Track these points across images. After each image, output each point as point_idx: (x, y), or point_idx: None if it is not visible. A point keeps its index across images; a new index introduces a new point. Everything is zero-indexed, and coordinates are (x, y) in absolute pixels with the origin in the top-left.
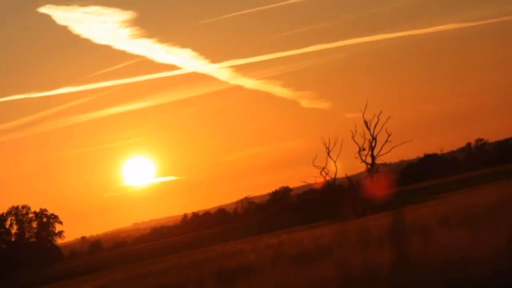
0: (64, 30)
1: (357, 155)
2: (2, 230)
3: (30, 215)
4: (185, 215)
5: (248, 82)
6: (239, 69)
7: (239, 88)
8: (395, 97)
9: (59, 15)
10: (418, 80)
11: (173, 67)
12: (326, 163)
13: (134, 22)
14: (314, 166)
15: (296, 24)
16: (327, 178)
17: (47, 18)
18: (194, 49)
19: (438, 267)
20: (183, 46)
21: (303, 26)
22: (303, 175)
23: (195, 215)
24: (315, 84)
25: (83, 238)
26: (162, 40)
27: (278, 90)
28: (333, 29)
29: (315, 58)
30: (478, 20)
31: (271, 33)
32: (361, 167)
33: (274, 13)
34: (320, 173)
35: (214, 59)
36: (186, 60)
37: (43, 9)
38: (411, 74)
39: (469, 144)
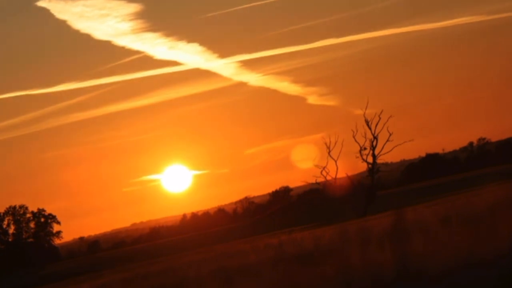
0: (63, 24)
1: (358, 154)
2: None
3: (28, 215)
4: (184, 215)
5: (253, 78)
6: (247, 64)
7: (243, 84)
8: (399, 95)
9: (58, 9)
10: (421, 79)
11: (175, 63)
12: (327, 163)
13: (139, 16)
14: (315, 165)
15: (306, 17)
16: (328, 178)
17: (45, 12)
18: (201, 44)
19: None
20: (190, 40)
21: (314, 19)
22: (303, 175)
23: (194, 215)
24: (325, 80)
25: (81, 238)
26: (168, 34)
27: (285, 86)
28: (344, 24)
29: (326, 52)
30: (486, 15)
31: (281, 26)
32: (362, 167)
33: (283, 7)
34: (321, 173)
35: (222, 54)
36: (191, 55)
37: (42, 3)
38: (416, 72)
39: (471, 144)
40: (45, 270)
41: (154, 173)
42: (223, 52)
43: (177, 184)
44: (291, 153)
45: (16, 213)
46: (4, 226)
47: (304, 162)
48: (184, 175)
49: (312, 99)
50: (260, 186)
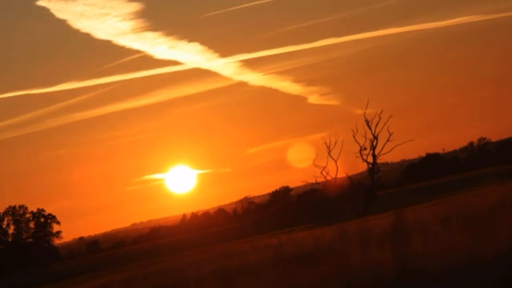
0: (62, 24)
1: (358, 154)
2: None
3: (28, 215)
4: (184, 215)
5: (254, 78)
6: (248, 63)
7: (243, 84)
8: (399, 95)
9: (58, 8)
10: (421, 78)
11: (176, 63)
12: (327, 163)
13: (140, 15)
14: (315, 165)
15: (307, 17)
16: (328, 177)
17: (45, 11)
18: (201, 43)
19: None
20: (191, 40)
21: (315, 19)
22: (303, 175)
23: (194, 215)
24: (326, 80)
25: (81, 238)
26: (168, 34)
27: (286, 85)
28: (345, 23)
29: (327, 52)
30: (486, 15)
31: (281, 26)
32: (362, 167)
33: (284, 6)
34: (321, 173)
35: (223, 53)
36: (191, 55)
37: (41, 2)
38: (416, 72)
39: (471, 144)
40: (45, 270)
41: (156, 173)
42: (224, 51)
43: (180, 183)
44: (287, 153)
45: (16, 213)
46: (4, 226)
47: (300, 162)
48: (187, 174)
49: (313, 99)
50: (260, 186)
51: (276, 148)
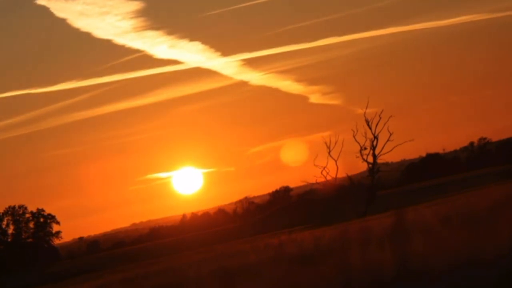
0: (62, 23)
1: (359, 154)
2: None
3: (27, 215)
4: (184, 215)
5: (255, 77)
6: (249, 62)
7: (244, 83)
8: (399, 95)
9: (58, 7)
10: (422, 78)
11: (177, 62)
12: (327, 163)
13: (141, 13)
14: (315, 165)
15: (309, 16)
16: (328, 177)
17: (45, 10)
18: (203, 42)
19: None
20: (192, 39)
21: (316, 18)
22: (303, 175)
23: (194, 215)
24: (328, 79)
25: (81, 238)
26: (170, 33)
27: (287, 84)
28: (347, 22)
29: (329, 51)
30: (488, 14)
31: (283, 25)
32: (363, 167)
33: (285, 5)
34: (321, 173)
35: (224, 52)
36: (192, 54)
37: (41, 1)
38: (417, 71)
39: (471, 143)
40: (44, 270)
41: (158, 172)
42: (225, 50)
43: (186, 182)
44: (281, 154)
45: (16, 213)
46: (4, 226)
47: (295, 162)
48: (193, 173)
49: (315, 98)
50: (261, 186)
51: (277, 148)
